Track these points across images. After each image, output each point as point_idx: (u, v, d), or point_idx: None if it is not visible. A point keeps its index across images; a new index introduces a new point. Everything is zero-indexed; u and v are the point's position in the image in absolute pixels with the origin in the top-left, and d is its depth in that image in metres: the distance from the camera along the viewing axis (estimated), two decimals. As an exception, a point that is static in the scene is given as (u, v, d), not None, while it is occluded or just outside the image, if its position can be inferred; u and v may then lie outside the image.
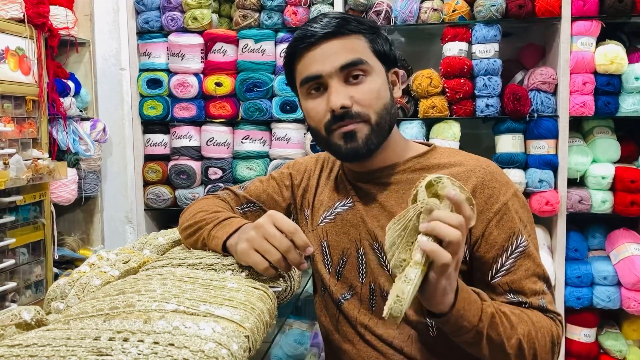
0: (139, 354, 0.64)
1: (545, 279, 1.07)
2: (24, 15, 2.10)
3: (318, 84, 1.08)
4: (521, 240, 1.05)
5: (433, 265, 0.82)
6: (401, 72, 1.18)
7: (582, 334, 2.51)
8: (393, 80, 1.14)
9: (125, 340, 0.68)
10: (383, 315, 0.81)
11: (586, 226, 2.66)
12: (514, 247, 1.05)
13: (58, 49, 2.36)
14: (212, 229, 1.09)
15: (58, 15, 2.36)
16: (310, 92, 1.09)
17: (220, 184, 2.68)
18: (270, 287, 0.97)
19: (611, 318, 2.61)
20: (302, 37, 1.07)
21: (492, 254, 1.05)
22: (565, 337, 2.53)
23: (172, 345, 0.66)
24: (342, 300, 1.17)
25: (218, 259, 1.03)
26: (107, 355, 0.64)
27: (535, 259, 1.06)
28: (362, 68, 1.06)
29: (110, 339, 0.68)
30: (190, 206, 1.24)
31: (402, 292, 0.79)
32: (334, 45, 1.06)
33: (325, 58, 1.05)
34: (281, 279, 1.03)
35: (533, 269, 1.05)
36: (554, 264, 2.47)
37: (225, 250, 1.05)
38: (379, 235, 1.12)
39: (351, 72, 1.06)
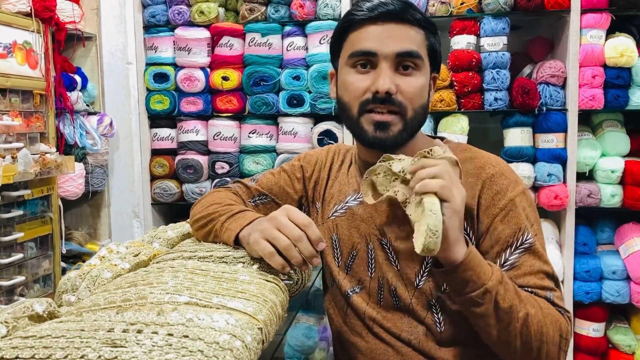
0: (153, 346, 0.63)
1: (553, 277, 1.04)
2: (31, 9, 2.10)
3: (368, 61, 1.05)
4: (527, 236, 1.03)
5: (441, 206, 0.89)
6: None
7: (591, 329, 2.49)
8: (431, 83, 1.13)
9: (139, 332, 0.67)
10: (417, 251, 0.88)
11: (595, 220, 2.64)
12: (519, 243, 1.03)
13: (65, 43, 2.35)
14: (225, 221, 1.08)
15: (65, 10, 2.35)
16: (357, 66, 1.07)
17: (227, 179, 2.67)
18: (281, 279, 0.96)
19: (620, 313, 2.60)
20: (369, 8, 1.04)
21: (496, 249, 1.04)
22: (574, 332, 2.52)
23: (187, 337, 0.66)
24: (351, 294, 1.16)
25: (229, 251, 1.02)
26: (122, 346, 0.63)
27: (542, 257, 1.04)
28: (415, 62, 1.05)
29: (124, 331, 0.67)
30: (203, 198, 1.24)
31: (434, 225, 0.86)
32: (397, 29, 1.04)
33: (385, 38, 1.03)
34: (292, 271, 1.02)
35: (539, 266, 1.03)
36: (562, 259, 2.46)
37: (236, 243, 1.04)
38: (388, 231, 1.11)
39: (404, 61, 1.04)
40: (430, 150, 0.97)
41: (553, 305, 1.02)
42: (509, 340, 0.96)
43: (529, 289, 1.01)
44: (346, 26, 1.09)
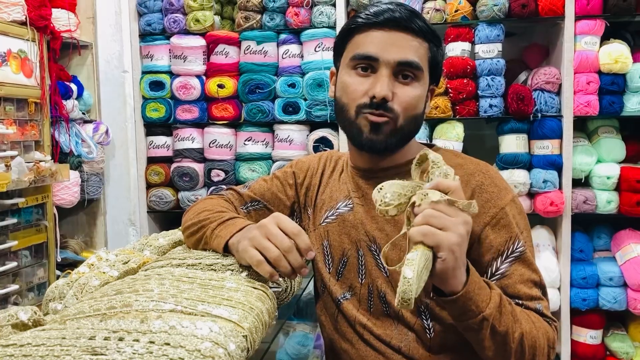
0: (134, 353, 0.63)
1: (541, 286, 1.05)
2: (26, 18, 2.10)
3: (369, 65, 1.06)
4: (518, 245, 1.03)
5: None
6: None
7: (588, 336, 2.48)
8: (428, 95, 1.13)
9: (121, 339, 0.67)
10: (395, 304, 0.81)
11: (591, 227, 2.63)
12: (509, 252, 1.03)
13: (60, 51, 2.36)
14: (215, 227, 1.08)
15: (60, 18, 2.36)
16: (357, 68, 1.07)
17: (223, 186, 2.67)
18: (269, 287, 0.96)
19: (617, 319, 2.58)
20: (375, 13, 1.05)
21: (487, 258, 1.03)
22: (571, 339, 2.51)
23: (168, 344, 0.65)
24: (342, 300, 1.16)
25: (218, 259, 1.02)
26: (102, 354, 0.63)
27: (532, 266, 1.04)
28: (415, 73, 1.05)
29: (106, 339, 0.67)
30: (194, 205, 1.23)
31: (407, 274, 0.80)
32: (402, 38, 1.04)
33: (388, 45, 1.04)
34: (280, 279, 1.02)
35: (528, 275, 1.03)
36: (559, 265, 2.45)
37: (226, 250, 1.04)
38: (377, 237, 1.11)
39: (404, 70, 1.05)
40: (420, 155, 0.91)
41: (542, 316, 1.03)
42: (504, 357, 0.96)
43: (520, 301, 1.02)
44: (352, 28, 1.09)
